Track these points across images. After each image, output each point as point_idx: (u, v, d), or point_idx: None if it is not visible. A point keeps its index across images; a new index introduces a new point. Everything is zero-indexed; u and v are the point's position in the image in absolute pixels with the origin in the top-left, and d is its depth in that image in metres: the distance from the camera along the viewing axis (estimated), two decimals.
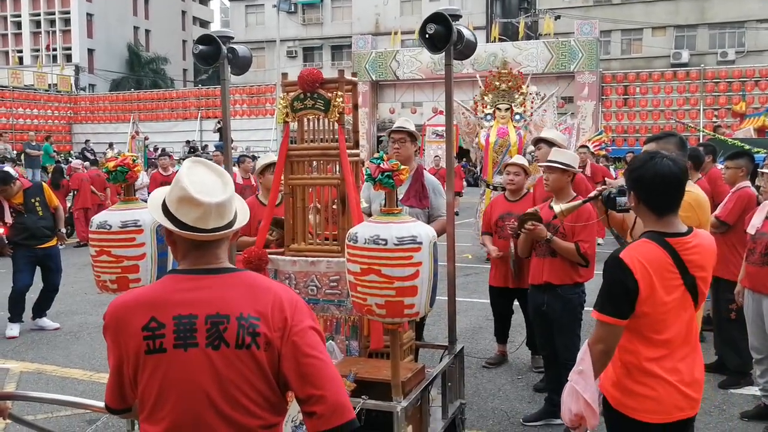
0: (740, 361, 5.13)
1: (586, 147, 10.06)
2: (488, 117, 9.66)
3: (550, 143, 4.94)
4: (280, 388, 1.78)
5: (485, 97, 9.81)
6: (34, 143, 20.78)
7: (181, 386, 1.71)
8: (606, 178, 7.93)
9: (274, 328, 1.73)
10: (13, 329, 6.74)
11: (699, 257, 2.42)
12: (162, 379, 1.71)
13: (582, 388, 2.39)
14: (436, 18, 3.41)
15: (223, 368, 1.71)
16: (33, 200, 6.81)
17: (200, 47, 3.92)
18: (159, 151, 17.49)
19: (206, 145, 20.28)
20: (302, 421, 2.95)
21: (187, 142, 24.93)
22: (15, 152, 19.87)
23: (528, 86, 9.86)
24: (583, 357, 2.43)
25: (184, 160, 12.13)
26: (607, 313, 2.36)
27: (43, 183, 7.38)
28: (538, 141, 5.17)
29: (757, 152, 10.80)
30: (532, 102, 9.58)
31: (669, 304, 2.36)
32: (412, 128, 4.62)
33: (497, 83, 9.78)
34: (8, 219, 6.71)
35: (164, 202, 1.82)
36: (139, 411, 1.78)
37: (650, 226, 2.45)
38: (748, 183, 5.35)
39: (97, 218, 3.33)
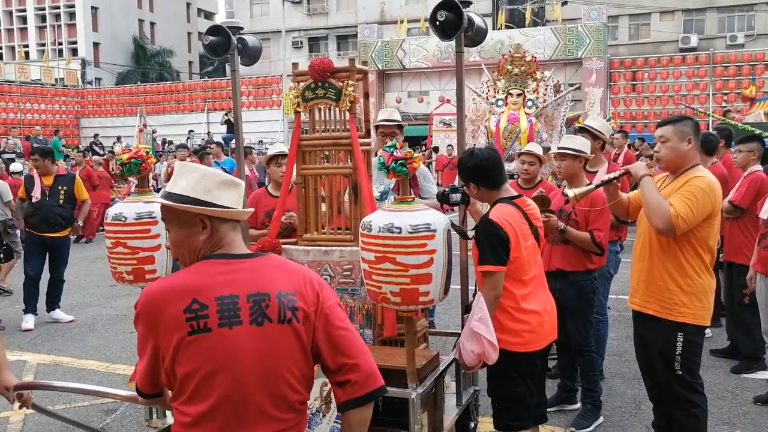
0: (753, 345, 5.13)
1: (623, 132, 9.77)
2: (500, 102, 9.53)
3: (593, 134, 4.67)
4: (312, 363, 1.88)
5: (497, 83, 9.67)
6: (41, 137, 20.87)
7: (229, 364, 1.74)
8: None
9: (309, 303, 1.84)
10: (29, 321, 6.82)
11: (534, 212, 3.24)
12: (207, 358, 1.73)
13: (484, 331, 2.92)
14: (447, 5, 3.39)
15: (267, 344, 1.77)
16: (60, 187, 7.02)
17: (210, 38, 3.93)
18: (171, 145, 17.48)
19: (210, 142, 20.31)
20: (318, 408, 2.98)
21: (190, 131, 25.00)
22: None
23: (544, 73, 9.70)
24: (480, 306, 2.96)
25: (197, 151, 12.12)
26: (493, 264, 2.98)
27: (77, 176, 7.68)
28: (580, 130, 4.97)
29: None
30: (545, 90, 9.41)
31: (529, 248, 3.09)
32: (398, 118, 4.67)
33: (509, 67, 9.63)
34: (38, 195, 6.89)
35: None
36: (176, 395, 1.79)
37: (495, 198, 3.15)
38: (759, 167, 5.32)
39: (112, 210, 3.37)
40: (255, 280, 1.81)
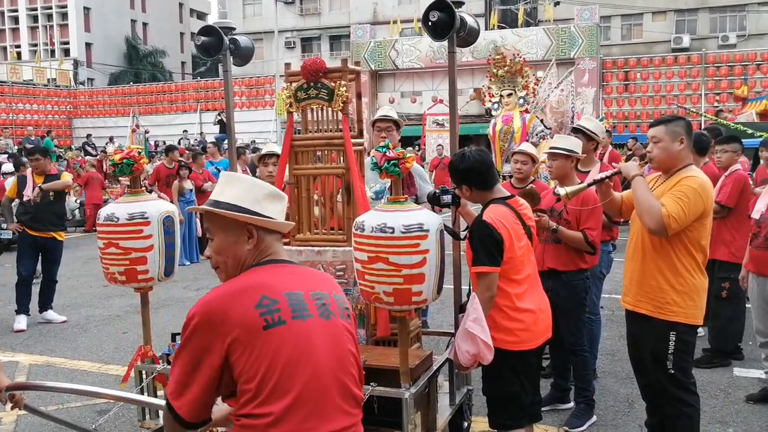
0: (721, 339, 5.28)
1: (609, 132, 9.85)
2: (496, 106, 9.65)
3: (587, 134, 4.67)
4: None
5: (491, 88, 9.80)
6: (33, 138, 20.78)
7: (307, 355, 1.74)
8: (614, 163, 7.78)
9: (352, 314, 1.97)
10: (21, 322, 6.79)
11: (527, 212, 3.25)
12: (287, 351, 1.71)
13: (479, 332, 2.94)
14: (439, 5, 3.40)
15: (336, 337, 1.81)
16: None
17: (202, 39, 3.92)
18: (162, 145, 17.43)
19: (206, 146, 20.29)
20: None
21: (184, 131, 24.96)
22: (16, 147, 19.83)
23: (536, 71, 9.80)
24: (475, 307, 2.97)
25: (190, 149, 12.08)
26: (487, 265, 2.99)
27: (64, 171, 7.78)
28: (574, 131, 4.96)
29: (761, 136, 10.76)
30: (547, 83, 9.49)
31: (522, 248, 3.10)
32: (396, 116, 4.64)
33: (495, 70, 9.76)
34: (29, 194, 6.86)
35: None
36: (251, 398, 1.70)
37: (488, 199, 3.16)
38: (739, 166, 5.42)
39: (104, 211, 3.36)
40: (311, 282, 1.88)
